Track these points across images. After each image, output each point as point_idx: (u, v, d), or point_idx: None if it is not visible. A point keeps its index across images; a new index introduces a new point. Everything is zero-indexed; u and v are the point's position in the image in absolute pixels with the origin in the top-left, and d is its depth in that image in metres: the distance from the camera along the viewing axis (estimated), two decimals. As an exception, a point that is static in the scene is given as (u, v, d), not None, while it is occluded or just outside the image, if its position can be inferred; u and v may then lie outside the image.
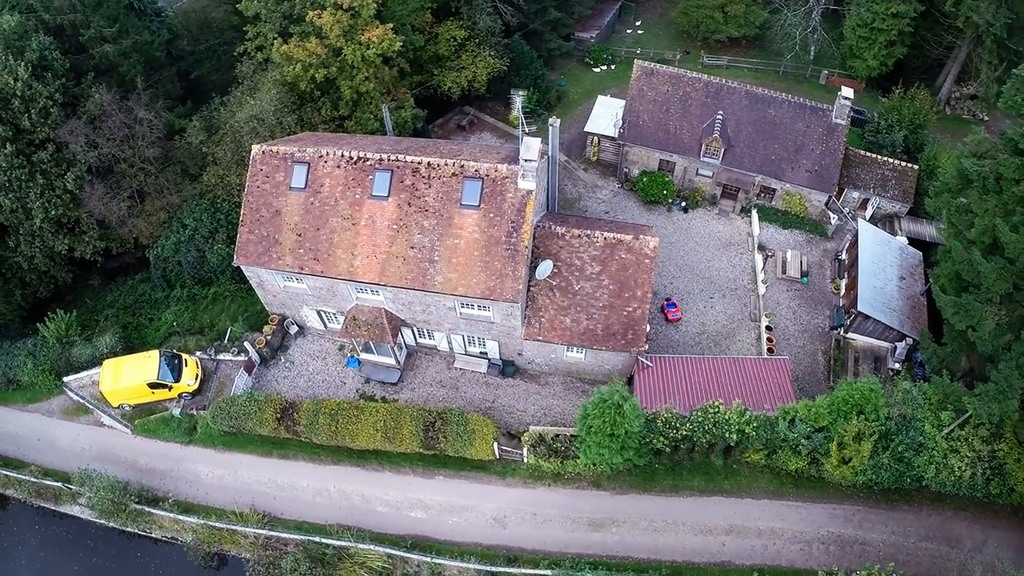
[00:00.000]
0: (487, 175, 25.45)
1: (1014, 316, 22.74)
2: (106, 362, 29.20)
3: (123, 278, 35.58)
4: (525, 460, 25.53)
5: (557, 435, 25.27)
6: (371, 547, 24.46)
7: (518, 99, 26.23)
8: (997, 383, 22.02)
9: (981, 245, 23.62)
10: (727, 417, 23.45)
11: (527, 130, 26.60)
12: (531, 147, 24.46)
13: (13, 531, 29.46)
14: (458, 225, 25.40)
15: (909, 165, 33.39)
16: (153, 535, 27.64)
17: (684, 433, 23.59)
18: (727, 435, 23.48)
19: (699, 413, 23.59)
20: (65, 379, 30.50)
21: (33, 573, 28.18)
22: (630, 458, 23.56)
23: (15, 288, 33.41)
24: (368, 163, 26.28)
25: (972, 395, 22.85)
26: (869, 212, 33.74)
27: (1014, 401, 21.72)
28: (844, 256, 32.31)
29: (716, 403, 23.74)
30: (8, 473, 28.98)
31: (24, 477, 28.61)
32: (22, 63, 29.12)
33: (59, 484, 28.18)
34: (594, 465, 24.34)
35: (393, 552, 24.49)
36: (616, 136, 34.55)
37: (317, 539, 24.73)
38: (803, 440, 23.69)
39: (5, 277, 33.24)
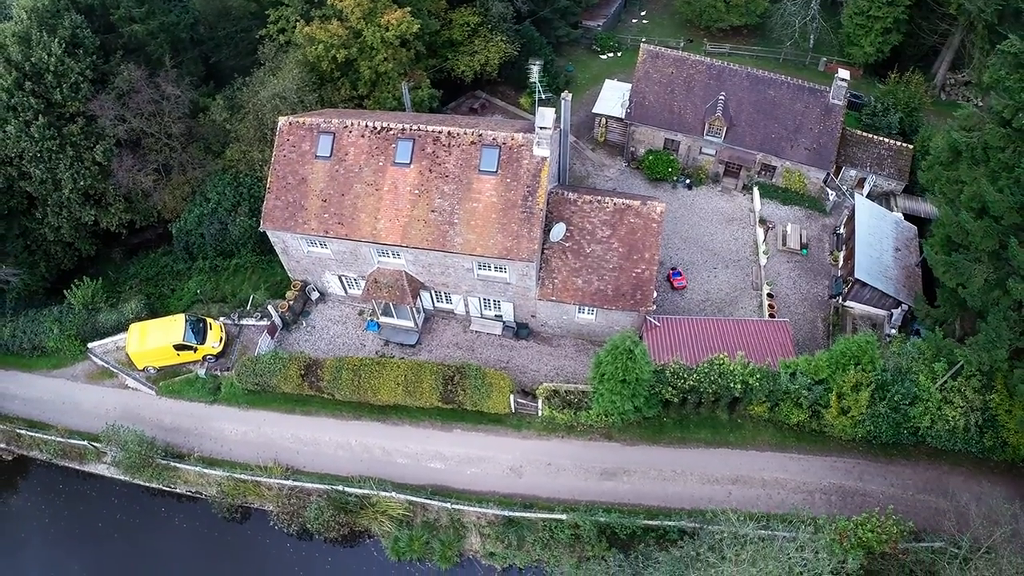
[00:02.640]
0: (504, 143, 27.40)
1: (1001, 273, 24.70)
2: (132, 325, 30.85)
3: (144, 253, 37.32)
4: (540, 413, 27.23)
5: (569, 390, 27.01)
6: (392, 494, 26.02)
7: (535, 68, 28.23)
8: (986, 334, 23.95)
9: (970, 211, 25.66)
10: (732, 369, 25.22)
11: (542, 97, 28.54)
12: (546, 116, 26.41)
13: (37, 491, 30.82)
14: (477, 190, 27.29)
15: (904, 144, 35.55)
16: (177, 490, 29.12)
17: (691, 384, 25.34)
18: (732, 386, 25.23)
19: (705, 365, 25.37)
20: (89, 345, 32.09)
21: (58, 531, 29.50)
22: (640, 407, 25.27)
23: (40, 260, 35.13)
24: (391, 132, 28.21)
25: (963, 347, 24.75)
26: (866, 190, 35.80)
27: (1002, 351, 23.59)
28: (842, 230, 34.32)
29: (721, 356, 25.53)
30: (33, 434, 30.41)
31: (49, 437, 30.03)
32: (55, 39, 31.05)
33: (84, 443, 29.64)
34: (606, 415, 26.05)
35: (413, 499, 26.06)
36: (623, 116, 36.65)
37: (340, 488, 26.27)
38: (804, 392, 25.47)
39: (30, 249, 34.98)
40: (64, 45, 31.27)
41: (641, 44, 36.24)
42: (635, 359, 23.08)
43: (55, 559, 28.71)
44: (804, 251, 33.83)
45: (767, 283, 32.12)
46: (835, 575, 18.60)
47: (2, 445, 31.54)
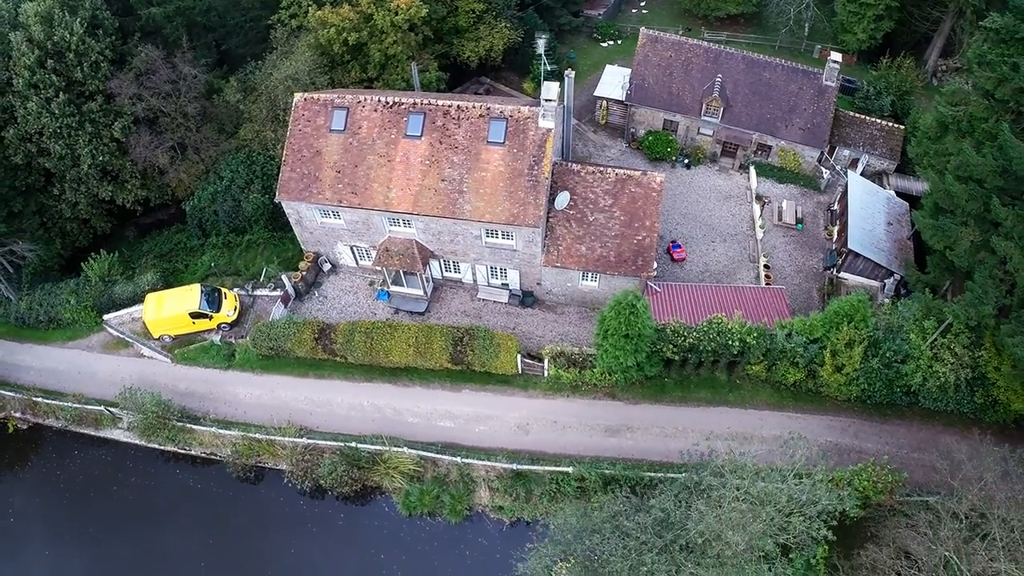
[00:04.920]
0: (511, 116, 29.11)
1: (986, 236, 26.35)
2: (149, 295, 32.28)
3: (157, 232, 38.85)
4: (546, 374, 28.68)
5: (574, 352, 28.48)
6: (404, 450, 27.36)
7: (541, 41, 30.09)
8: (973, 291, 25.55)
9: (957, 180, 27.36)
10: (730, 328, 26.76)
11: (548, 69, 30.32)
12: (550, 88, 28.17)
13: (52, 457, 31.96)
14: (485, 160, 28.95)
15: (896, 125, 37.43)
16: (192, 452, 30.37)
17: (691, 342, 26.85)
18: (730, 344, 26.75)
19: (704, 324, 26.90)
20: (105, 316, 33.45)
21: (72, 495, 30.62)
22: (642, 363, 26.73)
23: (55, 236, 36.67)
24: (403, 107, 29.90)
25: (951, 304, 26.33)
26: (859, 169, 37.62)
27: (989, 306, 25.14)
28: (836, 206, 36.06)
29: (720, 316, 27.08)
30: (49, 401, 31.61)
31: (65, 404, 31.22)
32: (76, 19, 32.78)
33: (101, 408, 30.90)
34: (610, 373, 27.51)
35: (424, 454, 27.40)
36: (624, 99, 38.50)
37: (353, 444, 27.61)
38: (799, 350, 27.00)
39: (46, 226, 36.50)
40: (85, 25, 32.99)
41: (641, 29, 38.19)
42: (637, 313, 24.58)
43: (70, 522, 29.78)
44: (799, 226, 35.54)
45: (763, 255, 33.75)
46: (833, 509, 19.90)
47: (17, 414, 32.72)
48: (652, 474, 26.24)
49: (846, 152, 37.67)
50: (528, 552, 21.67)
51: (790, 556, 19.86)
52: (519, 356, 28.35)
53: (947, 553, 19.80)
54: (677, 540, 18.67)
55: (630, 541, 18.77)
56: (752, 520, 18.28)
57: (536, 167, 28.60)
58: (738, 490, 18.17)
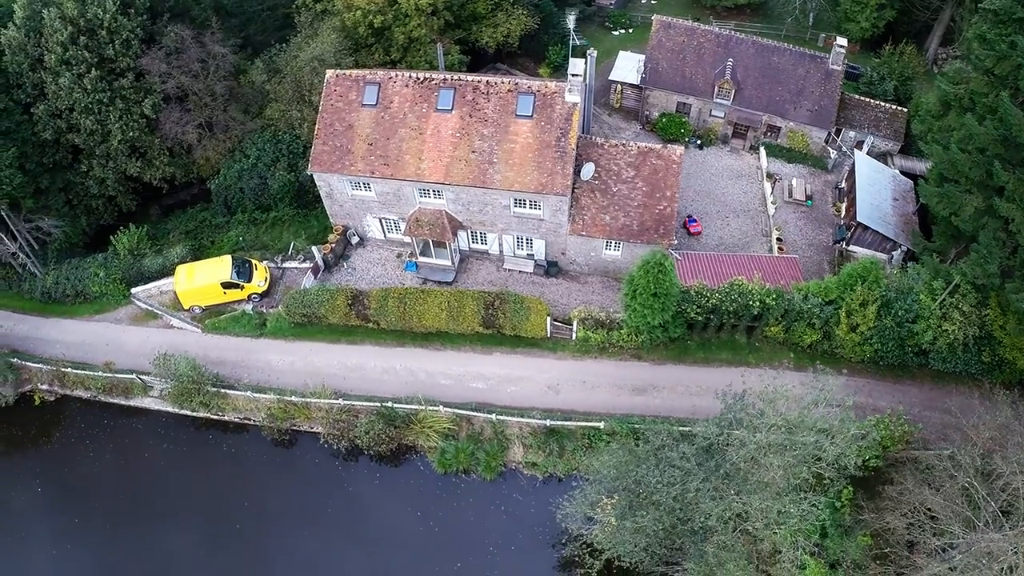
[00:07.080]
0: (539, 91, 30.90)
1: (990, 202, 28.47)
2: (179, 266, 33.47)
3: (181, 211, 40.00)
4: (574, 336, 30.24)
5: (600, 316, 30.11)
6: (439, 408, 28.70)
7: (572, 17, 32.04)
8: (978, 252, 27.60)
9: (960, 152, 29.50)
10: (750, 289, 28.56)
11: (576, 43, 32.19)
12: (577, 64, 30.03)
13: (81, 427, 32.73)
14: (514, 132, 30.66)
15: (899, 108, 39.78)
16: (226, 418, 31.43)
17: (713, 303, 28.59)
18: (750, 304, 28.53)
19: (726, 285, 28.69)
20: (133, 290, 34.51)
21: (102, 464, 31.42)
22: (667, 324, 28.40)
23: (81, 214, 37.72)
24: (433, 82, 31.58)
25: (958, 266, 28.36)
26: (865, 150, 39.82)
27: (994, 265, 27.18)
28: (844, 184, 38.22)
29: (740, 278, 28.88)
30: (79, 372, 32.47)
31: (96, 374, 32.13)
32: (109, -1, 34.16)
33: (132, 376, 31.87)
34: (637, 333, 29.14)
35: (460, 411, 28.76)
36: (638, 83, 40.52)
37: (389, 404, 28.90)
38: (816, 311, 28.84)
39: (71, 203, 37.53)
40: (117, 3, 34.32)
41: (654, 16, 40.35)
42: (665, 271, 26.28)
43: (100, 490, 30.38)
44: (809, 202, 37.62)
45: (776, 229, 35.71)
46: (859, 445, 21.54)
47: (44, 386, 33.46)
48: (681, 428, 27.77)
49: (852, 133, 39.91)
50: (573, 494, 23.05)
51: (824, 485, 21.47)
52: (548, 319, 29.88)
53: (967, 480, 21.50)
54: (719, 469, 20.21)
55: (675, 471, 20.27)
56: (789, 445, 19.88)
57: (563, 139, 30.35)
58: (774, 416, 19.80)
